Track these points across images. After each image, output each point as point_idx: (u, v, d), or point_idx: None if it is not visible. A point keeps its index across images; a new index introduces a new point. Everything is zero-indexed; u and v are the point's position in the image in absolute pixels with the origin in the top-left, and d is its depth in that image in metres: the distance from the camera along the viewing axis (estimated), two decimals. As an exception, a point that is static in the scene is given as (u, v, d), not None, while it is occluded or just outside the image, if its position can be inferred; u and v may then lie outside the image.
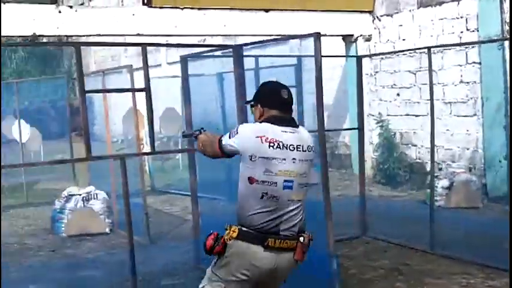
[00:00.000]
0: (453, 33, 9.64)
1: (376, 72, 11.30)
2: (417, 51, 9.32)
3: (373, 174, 11.16)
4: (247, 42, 5.55)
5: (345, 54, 11.35)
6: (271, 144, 3.24)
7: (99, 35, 9.27)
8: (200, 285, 3.46)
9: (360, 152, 7.26)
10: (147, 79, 4.70)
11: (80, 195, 8.00)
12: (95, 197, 7.99)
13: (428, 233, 6.36)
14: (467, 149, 9.65)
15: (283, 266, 3.34)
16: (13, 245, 7.46)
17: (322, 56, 4.44)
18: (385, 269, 5.85)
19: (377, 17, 11.19)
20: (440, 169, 9.70)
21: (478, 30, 9.17)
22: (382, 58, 11.03)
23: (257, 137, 3.26)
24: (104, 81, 8.11)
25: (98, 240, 7.46)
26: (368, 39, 11.39)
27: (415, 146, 10.60)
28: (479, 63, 9.27)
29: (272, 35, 9.46)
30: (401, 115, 10.87)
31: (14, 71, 22.80)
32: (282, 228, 3.28)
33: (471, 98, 9.50)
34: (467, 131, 9.58)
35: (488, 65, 9.01)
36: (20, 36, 11.35)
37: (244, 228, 3.28)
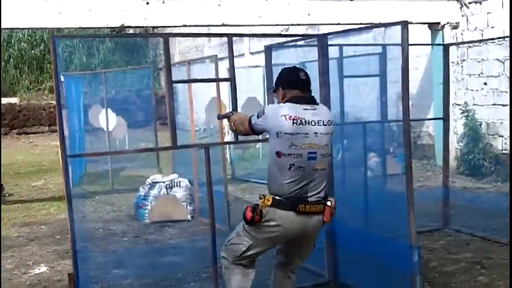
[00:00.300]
0: (545, 20, 9.26)
1: (463, 60, 11.00)
2: (506, 39, 9.01)
3: (456, 165, 10.89)
4: (332, 32, 5.52)
5: (430, 42, 11.10)
6: (295, 121, 3.67)
7: (185, 25, 9.44)
8: (228, 238, 4.00)
9: (445, 143, 7.09)
10: (233, 69, 4.74)
11: (164, 182, 8.18)
12: (178, 184, 8.16)
13: (513, 226, 6.18)
14: (557, 140, 9.29)
15: (312, 227, 3.81)
16: (98, 230, 7.70)
17: (409, 45, 4.35)
18: (467, 262, 5.72)
19: (465, 4, 10.87)
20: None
21: None
22: (469, 46, 10.72)
23: (282, 116, 3.69)
24: (189, 71, 8.26)
25: (179, 227, 7.60)
26: (455, 27, 11.09)
27: (502, 136, 10.26)
28: None
29: (356, 24, 9.37)
30: (488, 105, 10.54)
31: (101, 61, 23.52)
32: (310, 195, 3.72)
33: (562, 88, 9.14)
34: (557, 122, 9.21)
35: None
36: (108, 27, 11.73)
37: (277, 197, 3.71)
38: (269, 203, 3.71)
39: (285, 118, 3.67)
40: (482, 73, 10.60)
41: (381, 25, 5.95)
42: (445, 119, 6.94)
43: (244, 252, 3.86)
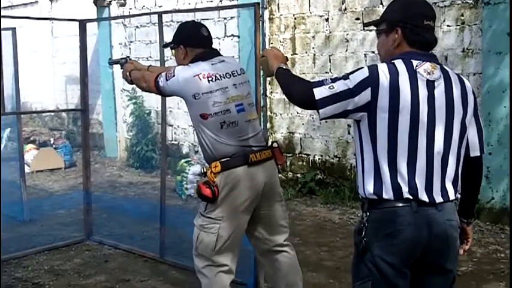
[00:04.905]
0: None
1: (131, 42, 10.07)
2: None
3: (127, 157, 10.04)
4: None
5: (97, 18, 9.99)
6: (210, 79, 3.39)
7: None
8: (193, 246, 3.46)
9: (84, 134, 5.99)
10: None
11: None
12: None
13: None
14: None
15: (270, 175, 3.54)
16: None
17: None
18: (96, 290, 4.61)
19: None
20: (196, 152, 8.83)
21: None
22: (137, 27, 9.81)
23: (195, 76, 3.37)
24: None
25: None
26: (122, 5, 10.16)
27: (171, 126, 9.53)
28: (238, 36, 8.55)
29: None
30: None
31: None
32: (253, 145, 3.48)
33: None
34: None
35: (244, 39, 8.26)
36: None
37: (224, 160, 3.37)
38: (218, 169, 3.35)
39: (199, 78, 3.38)
40: (150, 57, 9.77)
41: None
42: (84, 110, 5.84)
43: (217, 241, 3.38)
